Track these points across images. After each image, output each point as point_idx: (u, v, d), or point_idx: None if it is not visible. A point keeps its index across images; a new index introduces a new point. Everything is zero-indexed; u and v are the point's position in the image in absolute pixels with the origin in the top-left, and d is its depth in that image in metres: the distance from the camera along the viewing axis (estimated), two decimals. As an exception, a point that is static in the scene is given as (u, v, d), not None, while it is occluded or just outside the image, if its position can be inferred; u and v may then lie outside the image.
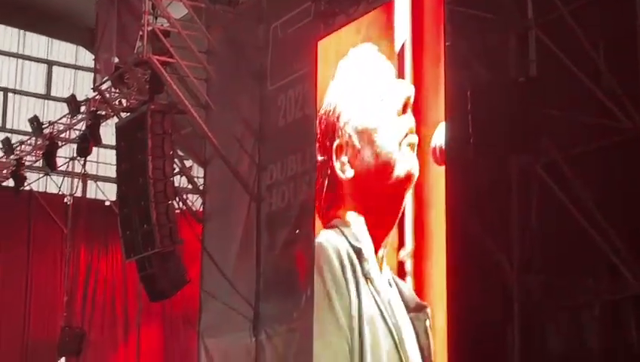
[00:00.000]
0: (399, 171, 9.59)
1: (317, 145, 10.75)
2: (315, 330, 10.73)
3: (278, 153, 13.27)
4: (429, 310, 9.16)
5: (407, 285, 9.43)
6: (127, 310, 21.50)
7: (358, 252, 9.93)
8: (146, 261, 14.60)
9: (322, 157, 10.67)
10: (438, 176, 9.16)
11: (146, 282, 15.09)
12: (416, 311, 9.31)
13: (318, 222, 10.81)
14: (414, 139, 9.48)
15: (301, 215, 12.22)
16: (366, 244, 9.88)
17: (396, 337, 9.37)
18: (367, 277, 9.83)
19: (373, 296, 9.71)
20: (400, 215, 9.55)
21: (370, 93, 10.17)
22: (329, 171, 10.50)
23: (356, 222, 10.05)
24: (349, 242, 10.08)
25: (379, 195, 9.90)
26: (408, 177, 9.50)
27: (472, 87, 9.47)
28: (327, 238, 10.52)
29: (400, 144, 9.59)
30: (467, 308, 8.87)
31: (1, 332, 20.65)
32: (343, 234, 10.18)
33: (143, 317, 21.00)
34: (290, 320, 12.31)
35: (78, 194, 21.66)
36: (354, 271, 9.98)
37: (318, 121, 10.79)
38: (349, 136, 10.23)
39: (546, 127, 9.20)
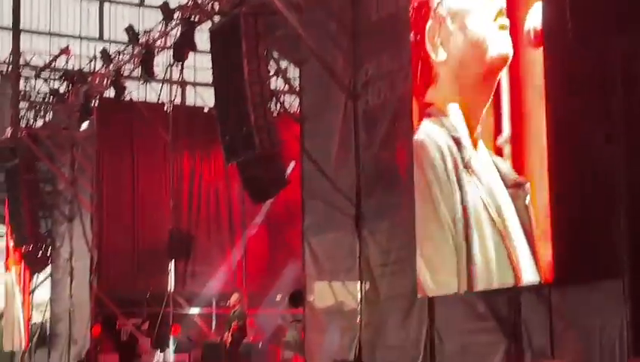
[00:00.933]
0: (492, 52, 9.50)
1: (410, 21, 10.64)
2: (418, 227, 10.75)
3: (372, 49, 13.10)
4: (528, 186, 9.10)
5: (505, 162, 9.38)
6: (231, 213, 21.89)
7: (458, 141, 9.91)
8: (247, 163, 14.76)
9: (416, 36, 10.58)
10: (532, 58, 9.03)
11: (248, 184, 15.30)
12: (515, 187, 9.25)
13: (415, 108, 10.78)
14: (505, 20, 9.32)
15: (399, 109, 12.10)
16: (464, 132, 9.83)
17: (500, 226, 9.34)
18: (467, 167, 9.81)
19: (475, 185, 9.69)
20: (493, 96, 9.46)
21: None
22: (422, 52, 10.43)
23: (453, 111, 9.98)
24: (449, 132, 10.05)
25: (472, 78, 9.82)
26: (503, 59, 9.38)
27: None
28: (427, 133, 10.48)
29: (491, 25, 9.45)
30: (570, 193, 8.79)
31: (112, 238, 21.26)
32: (443, 125, 10.14)
33: (247, 219, 21.43)
34: (393, 216, 12.32)
35: (178, 101, 21.96)
36: (455, 163, 9.96)
37: None
38: (442, 18, 10.08)
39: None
